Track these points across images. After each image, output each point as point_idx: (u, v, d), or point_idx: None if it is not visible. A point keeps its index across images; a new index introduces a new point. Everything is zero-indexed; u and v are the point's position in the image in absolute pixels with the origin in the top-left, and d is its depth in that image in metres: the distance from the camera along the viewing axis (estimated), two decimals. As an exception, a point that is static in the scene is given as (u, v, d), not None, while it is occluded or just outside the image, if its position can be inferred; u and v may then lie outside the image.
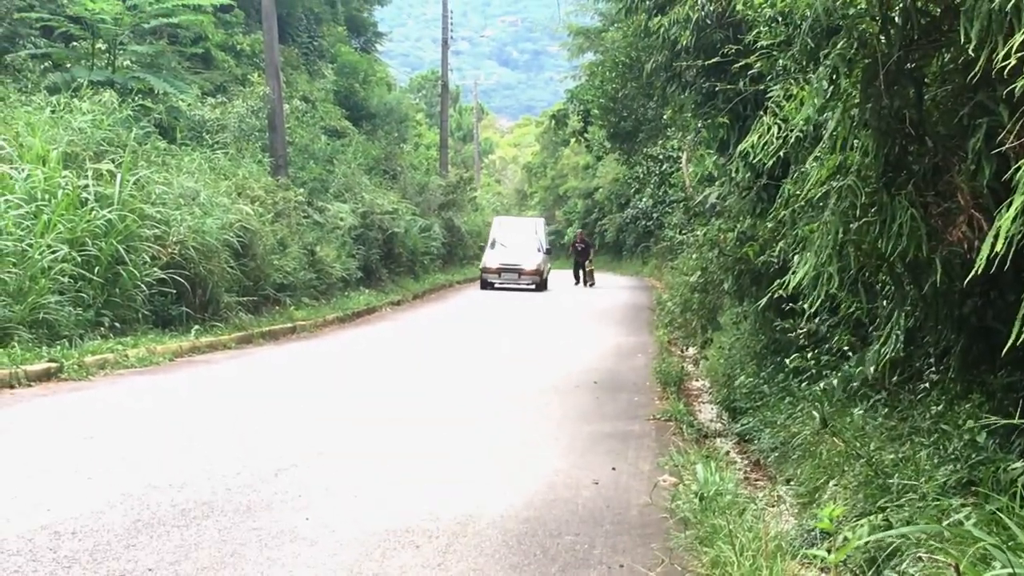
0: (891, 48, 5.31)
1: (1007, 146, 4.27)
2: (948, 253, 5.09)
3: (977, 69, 4.35)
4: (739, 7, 8.86)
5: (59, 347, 10.88)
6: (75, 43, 19.71)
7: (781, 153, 7.14)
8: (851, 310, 7.38)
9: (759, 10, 7.97)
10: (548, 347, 15.90)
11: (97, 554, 4.83)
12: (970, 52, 4.32)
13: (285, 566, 4.82)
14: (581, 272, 35.28)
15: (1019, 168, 3.85)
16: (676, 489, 6.56)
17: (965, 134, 5.04)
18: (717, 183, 12.83)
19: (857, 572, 4.71)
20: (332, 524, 5.54)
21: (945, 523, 4.31)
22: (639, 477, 7.16)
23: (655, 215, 37.90)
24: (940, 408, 6.02)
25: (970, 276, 4.18)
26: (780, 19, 7.42)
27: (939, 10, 5.24)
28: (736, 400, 10.04)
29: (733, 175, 10.35)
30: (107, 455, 6.98)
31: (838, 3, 5.50)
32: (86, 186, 12.97)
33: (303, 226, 20.61)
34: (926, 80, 5.60)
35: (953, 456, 5.24)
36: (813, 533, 5.34)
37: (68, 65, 19.04)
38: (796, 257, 6.73)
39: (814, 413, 7.10)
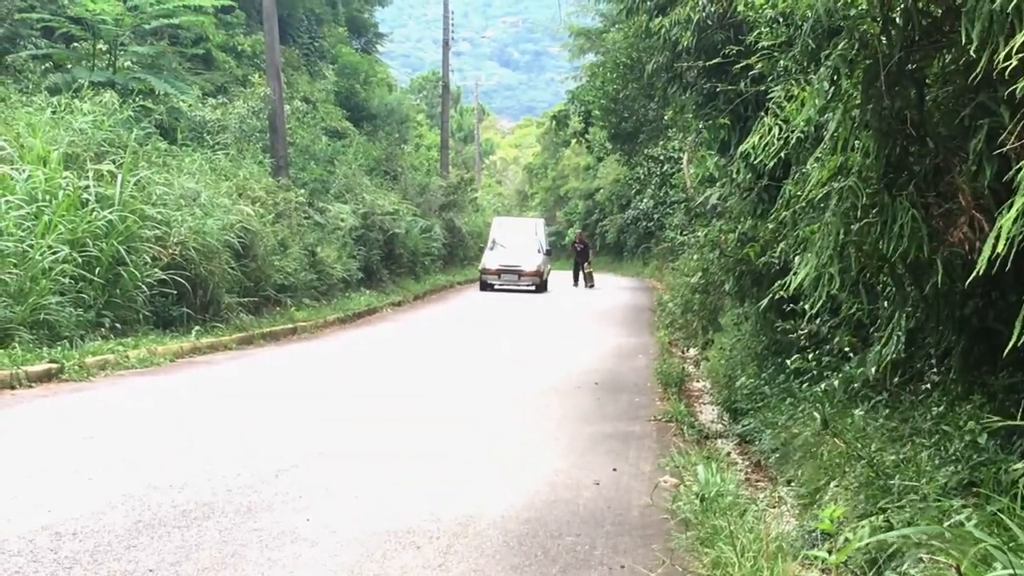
0: (892, 49, 5.31)
1: (1008, 147, 4.27)
2: (949, 254, 5.08)
3: (978, 70, 4.35)
4: (740, 8, 8.87)
5: (60, 348, 10.88)
6: (76, 44, 19.71)
7: (782, 154, 7.14)
8: (852, 311, 7.37)
9: (760, 11, 7.98)
10: (548, 348, 15.90)
11: (98, 555, 4.84)
12: (971, 53, 4.32)
13: (286, 567, 4.82)
14: (580, 273, 35.24)
15: (1020, 169, 3.85)
16: (677, 490, 6.56)
17: (966, 135, 5.04)
18: (718, 184, 12.83)
19: (858, 573, 4.70)
20: (333, 525, 5.54)
21: (946, 524, 4.31)
22: (640, 478, 7.16)
23: (656, 216, 37.87)
24: (941, 409, 6.02)
25: (971, 277, 4.18)
26: (781, 20, 7.43)
27: (940, 11, 5.24)
28: (737, 401, 10.03)
29: (734, 176, 10.36)
30: (108, 456, 6.98)
31: (839, 4, 5.50)
32: (87, 187, 12.97)
33: (304, 227, 20.61)
34: (927, 81, 5.60)
35: (954, 457, 5.24)
36: (814, 534, 5.34)
37: (69, 66, 19.04)
38: (797, 258, 6.73)
39: (815, 414, 7.10)
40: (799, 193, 6.90)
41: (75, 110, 15.37)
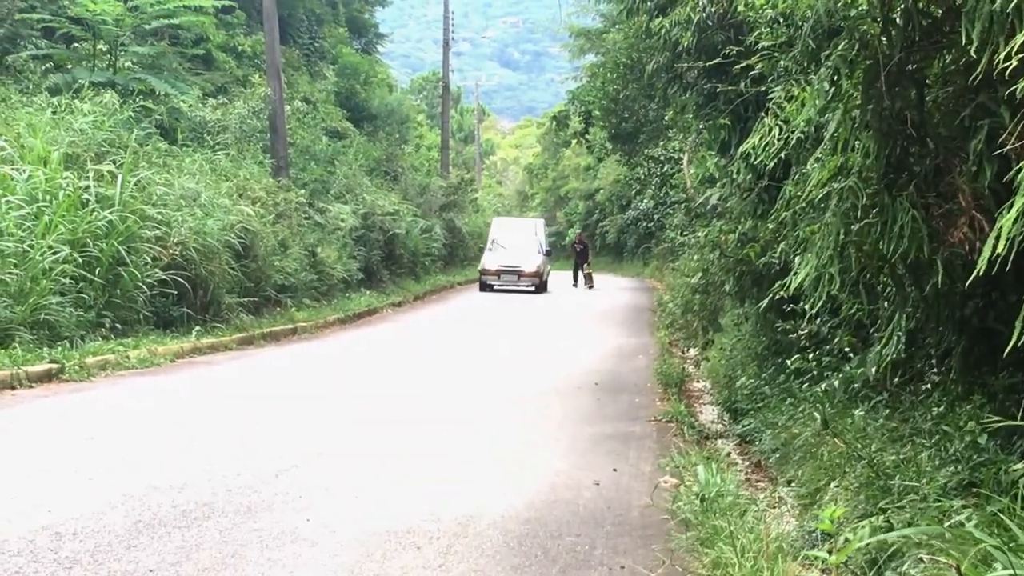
0: (892, 49, 5.31)
1: (1008, 147, 4.27)
2: (949, 254, 5.08)
3: (978, 70, 4.35)
4: (740, 8, 8.87)
5: (60, 348, 10.88)
6: (76, 44, 19.72)
7: (782, 154, 7.14)
8: (852, 311, 7.37)
9: (760, 11, 7.98)
10: (549, 348, 15.90)
11: (98, 555, 4.84)
12: (971, 53, 4.32)
13: (286, 567, 4.82)
14: (580, 274, 35.19)
15: (1020, 169, 3.85)
16: (677, 490, 6.56)
17: (966, 135, 5.04)
18: (718, 184, 12.83)
19: (858, 573, 4.70)
20: (333, 525, 5.55)
21: (946, 524, 4.31)
22: (640, 478, 7.16)
23: (656, 216, 37.90)
24: (941, 409, 6.02)
25: (971, 277, 4.18)
26: (781, 20, 7.43)
27: (940, 11, 5.24)
28: (737, 401, 10.03)
29: (734, 176, 10.35)
30: (108, 456, 6.98)
31: (839, 4, 5.50)
32: (87, 187, 12.98)
33: (304, 227, 20.61)
34: (927, 81, 5.60)
35: (954, 457, 5.24)
36: (814, 534, 5.34)
37: (69, 66, 19.05)
38: (797, 258, 6.73)
39: (815, 414, 7.10)
40: (799, 193, 6.90)
41: (75, 110, 15.37)
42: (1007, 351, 3.90)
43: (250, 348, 14.59)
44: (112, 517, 5.47)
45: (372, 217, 24.89)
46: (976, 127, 4.88)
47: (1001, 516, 3.89)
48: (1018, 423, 4.55)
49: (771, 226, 9.00)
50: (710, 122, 11.34)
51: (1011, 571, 3.35)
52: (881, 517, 4.85)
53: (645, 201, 40.04)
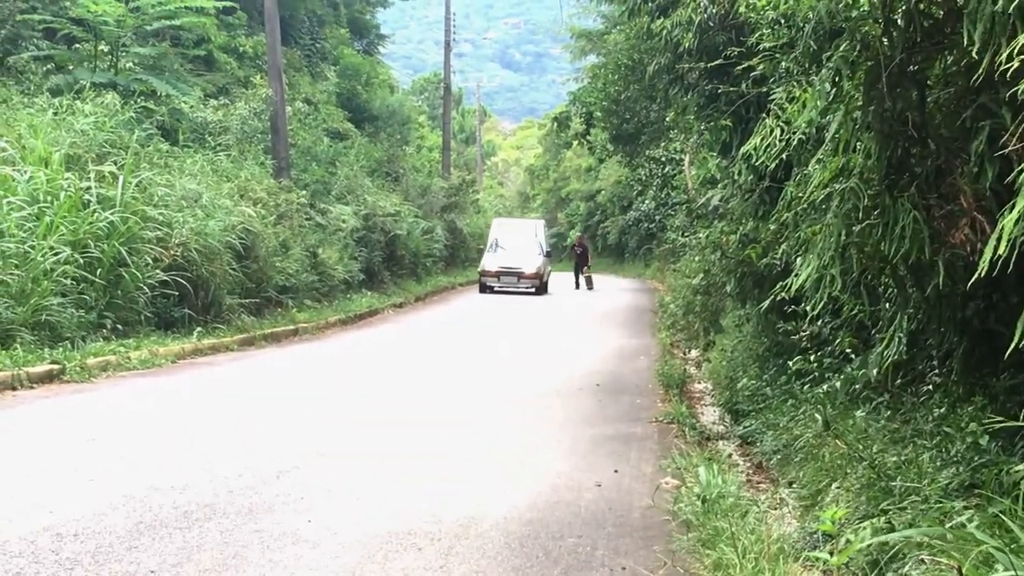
0: (894, 50, 5.31)
1: (1010, 148, 4.27)
2: (951, 256, 5.08)
3: (980, 71, 4.35)
4: (742, 9, 8.86)
5: (61, 349, 10.89)
6: (78, 45, 19.73)
7: (784, 155, 7.15)
8: (854, 312, 7.37)
9: (762, 12, 7.97)
10: (550, 350, 15.89)
11: (99, 556, 4.84)
12: (973, 54, 4.32)
13: (287, 568, 4.82)
14: (580, 276, 35.08)
15: (1022, 171, 3.85)
16: (678, 491, 6.56)
17: (968, 136, 5.04)
18: (719, 185, 12.84)
19: (859, 574, 4.70)
20: (334, 526, 5.54)
21: (948, 526, 4.31)
22: (641, 479, 7.15)
23: (657, 217, 37.93)
24: (943, 411, 6.02)
25: (973, 279, 4.18)
26: (783, 21, 7.43)
27: (942, 12, 5.24)
28: (738, 403, 10.03)
29: (735, 177, 10.36)
30: (109, 457, 6.98)
31: (841, 5, 5.50)
32: (88, 188, 12.98)
33: (305, 228, 20.61)
34: (929, 82, 5.60)
35: (956, 459, 5.24)
36: (815, 536, 5.34)
37: (71, 67, 19.07)
38: (799, 259, 6.73)
39: (816, 416, 7.10)
40: (801, 194, 6.89)
41: (77, 111, 15.38)
42: (1008, 352, 3.90)
43: (251, 349, 14.60)
44: (113, 518, 5.47)
45: (373, 218, 24.90)
46: (977, 128, 4.88)
47: (1002, 517, 3.88)
48: (1019, 424, 4.54)
49: (772, 227, 9.00)
50: (711, 123, 11.34)
51: (1012, 572, 3.35)
52: (882, 518, 4.85)
53: (646, 202, 40.05)
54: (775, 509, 6.52)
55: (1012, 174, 4.01)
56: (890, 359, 6.39)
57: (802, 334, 8.77)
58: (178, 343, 13.14)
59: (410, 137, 42.48)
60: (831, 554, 4.14)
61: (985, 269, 3.94)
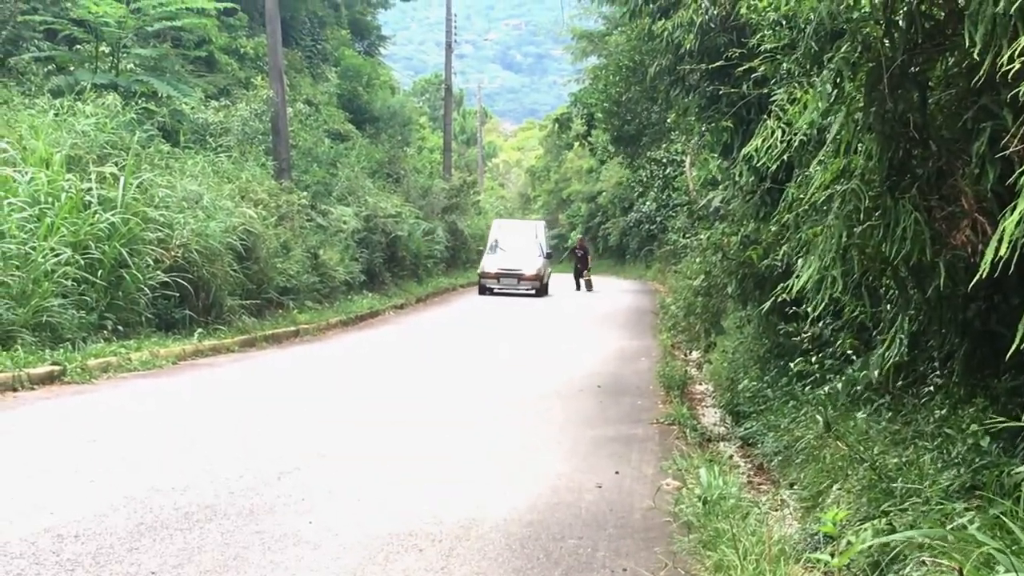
0: (895, 52, 5.30)
1: (1011, 150, 4.27)
2: (952, 257, 5.08)
3: (981, 73, 4.34)
4: (743, 11, 8.86)
5: (62, 350, 10.89)
6: (79, 46, 19.74)
7: (785, 157, 7.14)
8: (855, 314, 7.36)
9: (763, 14, 7.97)
10: (551, 351, 15.89)
11: (100, 557, 4.84)
12: (974, 56, 4.31)
13: (288, 569, 4.82)
14: (580, 279, 34.99)
15: (1023, 172, 3.85)
16: (679, 493, 6.55)
17: (969, 138, 5.04)
18: (721, 187, 12.83)
19: (860, 576, 4.70)
20: (335, 527, 5.54)
21: (949, 527, 4.30)
22: (642, 481, 7.15)
23: (658, 219, 37.91)
24: (944, 412, 6.01)
25: (974, 280, 4.17)
26: (784, 23, 7.42)
27: (943, 14, 5.24)
28: (739, 404, 10.02)
29: (737, 179, 10.35)
30: (110, 458, 6.98)
31: (842, 7, 5.50)
32: (89, 189, 12.99)
33: (306, 229, 20.62)
34: (930, 84, 5.60)
35: (957, 460, 5.23)
36: (816, 537, 5.34)
37: (72, 68, 19.08)
38: (800, 261, 6.72)
39: (818, 417, 7.10)
40: (802, 196, 6.89)
41: (78, 112, 15.38)
42: (1010, 354, 3.90)
43: (252, 350, 14.60)
44: (114, 519, 5.47)
45: (374, 219, 24.90)
46: (979, 129, 4.88)
47: (1003, 519, 3.88)
48: (1020, 425, 4.54)
49: (773, 228, 8.99)
50: (712, 124, 11.33)
51: (1013, 574, 3.35)
52: (883, 520, 4.85)
53: (647, 203, 40.04)
54: (776, 510, 6.52)
55: (1013, 176, 4.01)
56: (891, 360, 6.38)
57: (803, 335, 8.77)
58: (179, 344, 13.14)
59: (411, 138, 42.47)
60: (832, 555, 4.14)
61: (986, 271, 3.93)
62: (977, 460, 5.08)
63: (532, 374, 12.93)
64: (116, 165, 13.93)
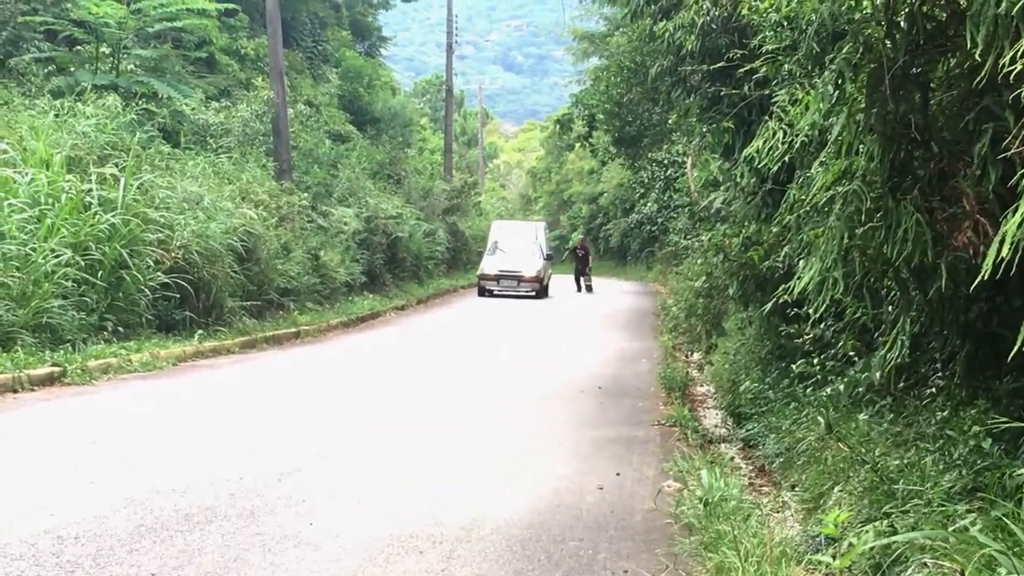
0: (897, 53, 5.30)
1: (1013, 151, 4.26)
2: (954, 258, 5.07)
3: (983, 74, 4.34)
4: (744, 12, 8.86)
5: (62, 351, 10.88)
6: (79, 47, 19.74)
7: (786, 158, 7.12)
8: (856, 315, 7.35)
9: (764, 15, 7.97)
10: (552, 352, 15.88)
11: (100, 559, 4.83)
12: (976, 57, 4.31)
13: (288, 571, 4.81)
14: (581, 279, 34.92)
15: (1025, 173, 3.84)
16: (680, 495, 6.55)
17: (971, 139, 5.03)
18: (722, 188, 12.84)
19: (862, 578, 4.69)
20: (335, 529, 5.54)
21: (950, 529, 4.29)
22: (643, 483, 7.14)
23: (660, 220, 37.89)
24: (946, 414, 6.00)
25: (976, 282, 4.16)
26: (785, 24, 7.41)
27: (945, 15, 5.23)
28: (741, 406, 10.01)
29: (738, 180, 10.34)
30: (110, 459, 6.98)
31: (843, 8, 5.50)
32: (90, 190, 12.98)
33: (307, 231, 20.62)
34: (932, 85, 5.59)
35: (959, 462, 5.22)
36: (818, 539, 5.33)
37: (72, 69, 19.06)
38: (801, 262, 6.72)
39: (819, 419, 7.09)
40: (803, 197, 6.88)
41: (78, 113, 15.38)
42: (1011, 355, 3.89)
43: (252, 351, 14.60)
44: (114, 521, 5.46)
45: (375, 220, 24.90)
46: (980, 131, 4.87)
47: (1005, 520, 3.87)
48: (1022, 426, 4.53)
49: (775, 230, 8.99)
50: (714, 125, 11.33)
51: (1015, 575, 3.34)
52: (885, 521, 4.84)
53: (649, 205, 40.04)
54: (777, 512, 6.51)
55: (1015, 177, 4.00)
56: (893, 362, 6.37)
57: (805, 337, 8.76)
58: (179, 345, 13.14)
59: (412, 139, 42.46)
60: (834, 557, 4.14)
61: (988, 272, 3.92)
62: (979, 462, 5.07)
63: (533, 375, 12.92)
64: (116, 166, 13.92)
